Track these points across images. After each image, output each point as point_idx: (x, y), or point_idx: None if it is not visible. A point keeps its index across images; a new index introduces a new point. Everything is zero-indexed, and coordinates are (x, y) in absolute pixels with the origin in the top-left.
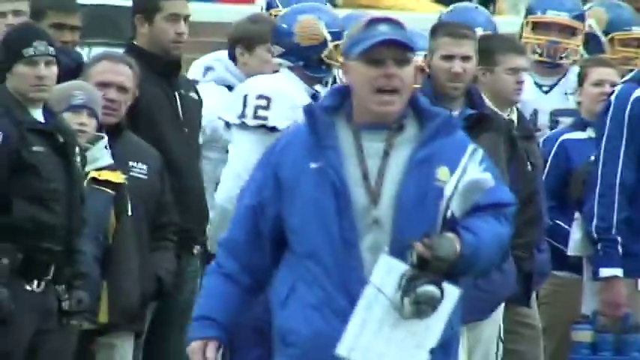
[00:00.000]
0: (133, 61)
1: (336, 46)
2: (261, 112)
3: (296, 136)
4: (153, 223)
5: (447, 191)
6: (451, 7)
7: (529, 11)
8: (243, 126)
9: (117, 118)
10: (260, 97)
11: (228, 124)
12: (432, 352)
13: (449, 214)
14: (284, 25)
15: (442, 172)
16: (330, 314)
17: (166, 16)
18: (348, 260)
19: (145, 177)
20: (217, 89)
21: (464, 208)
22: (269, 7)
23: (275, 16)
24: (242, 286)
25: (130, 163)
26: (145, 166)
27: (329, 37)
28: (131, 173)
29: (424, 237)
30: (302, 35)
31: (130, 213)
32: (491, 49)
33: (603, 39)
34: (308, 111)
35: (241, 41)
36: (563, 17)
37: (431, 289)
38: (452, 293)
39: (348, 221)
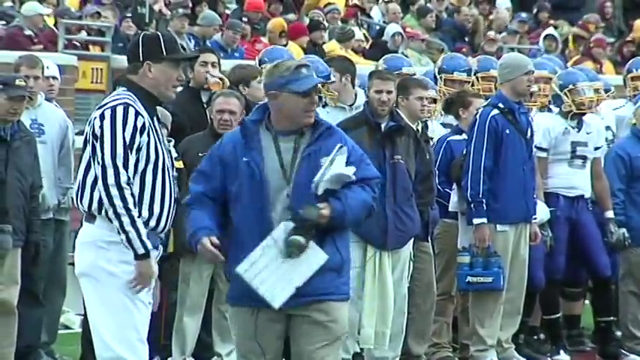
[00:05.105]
0: (240, 95)
1: (323, 84)
2: None
3: (231, 139)
4: None
5: (316, 177)
6: (386, 56)
7: (441, 70)
8: None
9: (230, 130)
10: None
11: None
12: (325, 274)
13: (319, 191)
14: None
15: (324, 160)
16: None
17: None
18: (262, 222)
19: None
20: None
21: (330, 189)
22: (260, 63)
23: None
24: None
25: None
26: None
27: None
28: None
29: (302, 206)
30: None
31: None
32: (406, 84)
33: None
34: (241, 123)
35: (242, 80)
36: (463, 76)
37: (298, 238)
38: (320, 257)
39: (263, 197)
